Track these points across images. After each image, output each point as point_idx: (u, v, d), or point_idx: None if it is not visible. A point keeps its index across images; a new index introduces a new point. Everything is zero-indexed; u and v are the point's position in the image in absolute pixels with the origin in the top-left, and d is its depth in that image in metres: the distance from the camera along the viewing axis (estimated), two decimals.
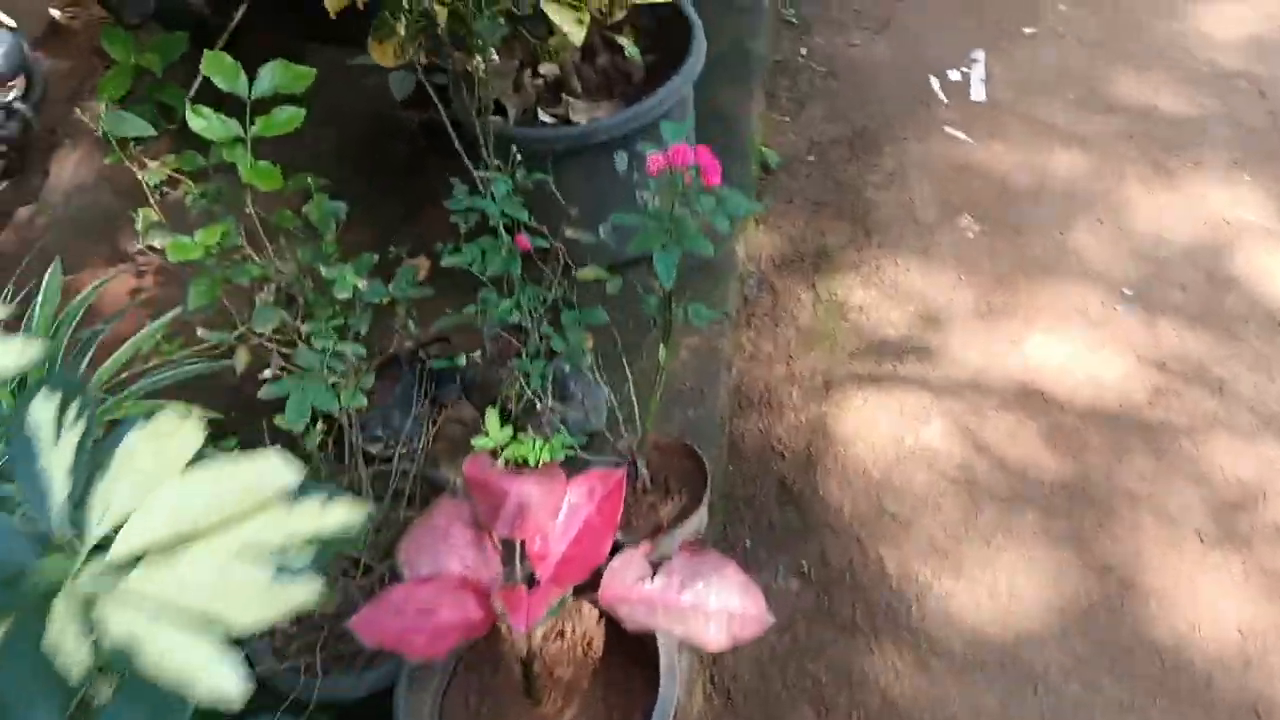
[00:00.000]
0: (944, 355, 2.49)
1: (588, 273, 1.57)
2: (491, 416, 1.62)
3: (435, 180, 2.03)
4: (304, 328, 1.86)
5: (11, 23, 3.71)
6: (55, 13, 4.17)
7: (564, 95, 2.43)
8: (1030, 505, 2.19)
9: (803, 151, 3.07)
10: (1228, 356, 2.36)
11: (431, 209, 1.77)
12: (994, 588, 2.07)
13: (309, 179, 2.04)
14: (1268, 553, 2.04)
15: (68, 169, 3.33)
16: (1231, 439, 2.22)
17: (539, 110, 2.45)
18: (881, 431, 2.37)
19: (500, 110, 2.44)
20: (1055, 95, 3.06)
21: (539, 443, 1.64)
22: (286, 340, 1.90)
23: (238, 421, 2.07)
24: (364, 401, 1.50)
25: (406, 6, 1.91)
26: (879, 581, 2.13)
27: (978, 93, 3.13)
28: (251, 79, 1.66)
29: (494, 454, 1.60)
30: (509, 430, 1.62)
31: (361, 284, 1.80)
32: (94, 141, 3.34)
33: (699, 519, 1.94)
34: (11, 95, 2.86)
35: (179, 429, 0.61)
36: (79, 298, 2.01)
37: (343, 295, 1.76)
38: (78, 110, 3.53)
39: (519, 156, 1.72)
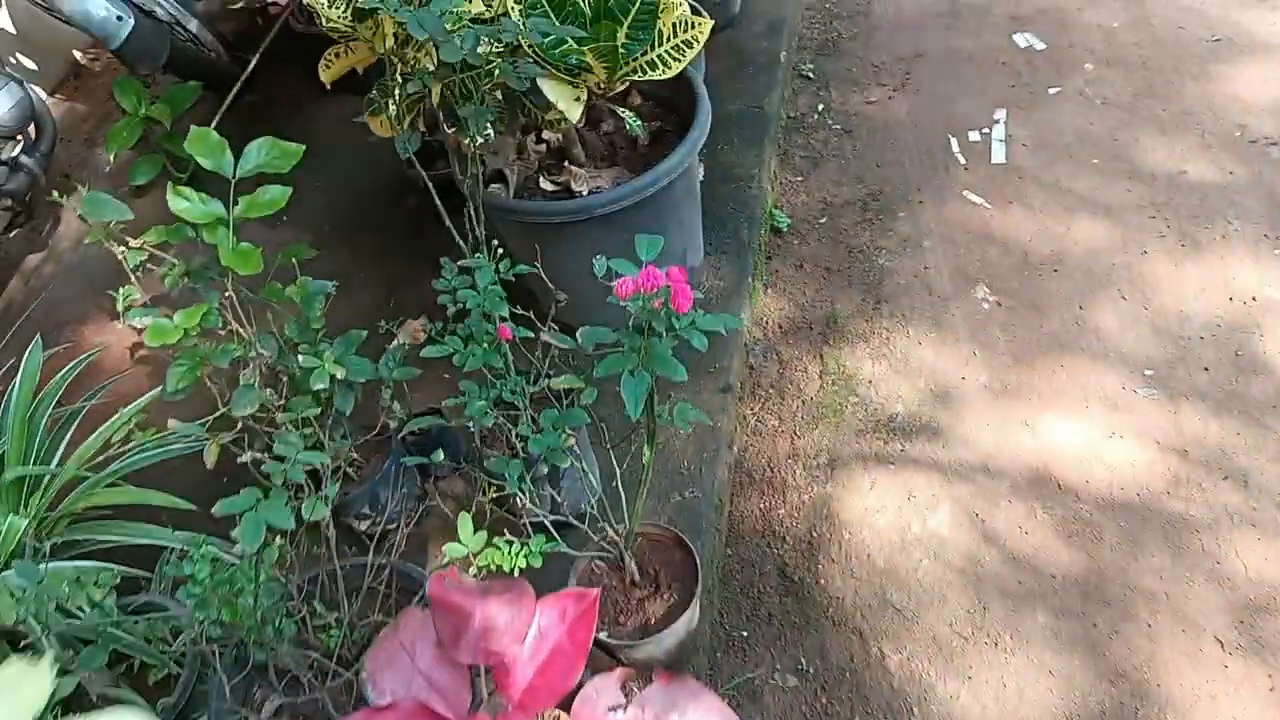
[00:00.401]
0: (955, 436, 2.39)
1: (562, 382, 1.50)
2: (464, 522, 1.55)
3: (443, 238, 1.98)
4: (279, 417, 1.81)
5: (29, 66, 3.73)
6: (78, 54, 4.19)
7: (566, 163, 2.37)
8: (1041, 603, 2.08)
9: (815, 214, 3.00)
10: (1253, 447, 2.25)
11: (437, 269, 1.71)
12: (1000, 692, 1.97)
13: (295, 256, 1.99)
14: None
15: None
16: (1255, 536, 2.11)
17: (541, 177, 2.40)
18: (888, 516, 2.28)
19: (501, 177, 2.39)
20: (1078, 160, 2.97)
21: (515, 548, 1.57)
22: (270, 420, 1.86)
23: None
24: (325, 513, 1.44)
25: (397, 83, 1.86)
26: (880, 681, 2.03)
27: (998, 155, 3.04)
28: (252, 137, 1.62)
29: (467, 562, 1.53)
30: (482, 535, 1.55)
31: (340, 373, 1.75)
32: (108, 186, 3.33)
33: (689, 618, 1.86)
34: (18, 150, 2.85)
35: (24, 682, 0.54)
36: (58, 376, 1.97)
37: (319, 386, 1.70)
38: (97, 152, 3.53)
39: (500, 250, 1.66)
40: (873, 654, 2.08)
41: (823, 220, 2.97)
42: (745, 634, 2.15)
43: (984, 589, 2.13)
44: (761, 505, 2.36)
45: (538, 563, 1.59)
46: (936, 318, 2.65)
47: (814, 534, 2.28)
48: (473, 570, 1.59)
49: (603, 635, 1.87)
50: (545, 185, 2.36)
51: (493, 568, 1.58)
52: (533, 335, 1.75)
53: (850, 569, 2.21)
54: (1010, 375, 2.49)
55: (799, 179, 3.12)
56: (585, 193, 2.30)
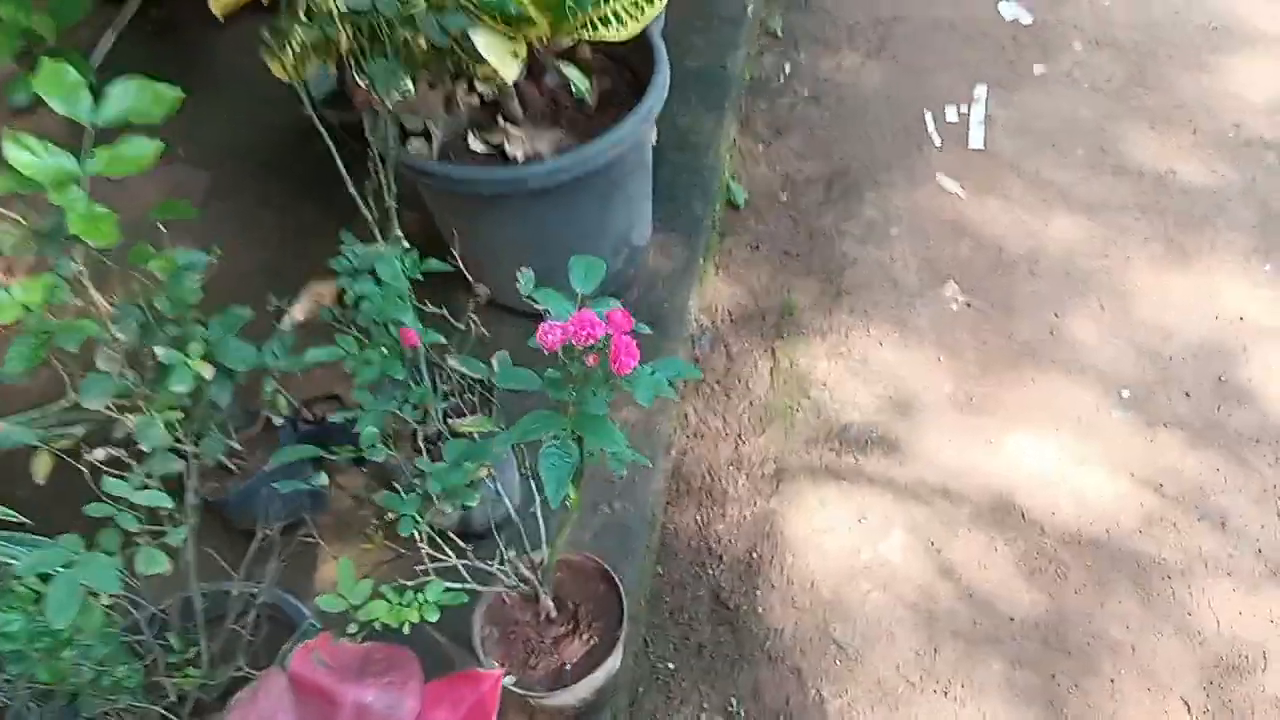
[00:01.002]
0: (913, 452, 2.18)
1: (468, 425, 1.23)
2: (343, 570, 1.29)
3: (359, 186, 1.68)
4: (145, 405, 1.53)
5: None
6: None
7: (501, 119, 2.08)
8: (996, 648, 1.90)
9: (775, 188, 2.74)
10: (1233, 485, 2.08)
11: (352, 220, 1.43)
12: None
13: (169, 214, 1.68)
14: None
15: None
16: (1230, 586, 1.94)
17: (471, 134, 2.09)
18: (836, 539, 2.07)
19: (425, 131, 2.09)
20: (1061, 150, 2.74)
21: (406, 600, 1.32)
22: (133, 407, 1.57)
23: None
24: (164, 566, 1.16)
25: (295, 23, 1.55)
26: None
27: (976, 138, 2.80)
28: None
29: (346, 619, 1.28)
30: (366, 586, 1.29)
31: (208, 372, 1.46)
32: None
33: (609, 666, 1.63)
34: None
35: None
36: None
37: (181, 388, 1.42)
38: None
39: (405, 242, 1.38)
40: (810, 696, 1.88)
41: (783, 197, 2.71)
42: (672, 666, 1.94)
43: (936, 628, 1.93)
44: (698, 518, 2.13)
45: (433, 617, 1.35)
46: (901, 316, 2.42)
47: (754, 555, 2.07)
48: (353, 628, 1.34)
49: (509, 681, 1.64)
50: (475, 145, 2.06)
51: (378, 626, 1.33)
52: (445, 342, 1.48)
53: (792, 597, 2.00)
54: (977, 386, 2.28)
55: (760, 148, 2.85)
56: (520, 158, 2.01)
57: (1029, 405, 2.23)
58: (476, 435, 1.29)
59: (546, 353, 1.00)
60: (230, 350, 1.54)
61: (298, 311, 2.28)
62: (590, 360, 1.02)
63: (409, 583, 1.38)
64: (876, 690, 1.87)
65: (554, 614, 1.68)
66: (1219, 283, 2.41)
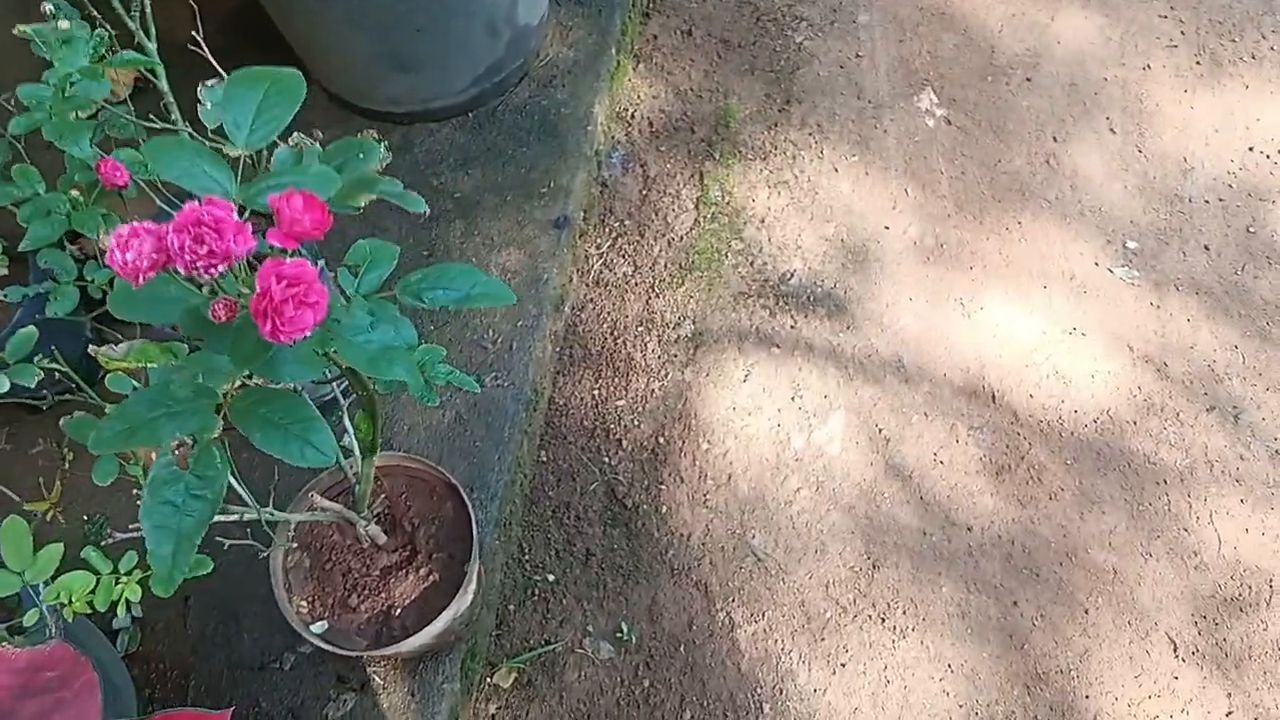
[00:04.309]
0: (865, 312, 1.75)
1: (116, 358, 0.74)
2: (10, 531, 0.84)
3: None
4: None
5: None
6: None
7: None
8: (948, 568, 1.54)
9: None
10: (1251, 367, 1.69)
11: None
12: (880, 689, 1.46)
13: None
14: (1263, 683, 1.45)
15: None
16: (1239, 497, 1.59)
17: None
18: (762, 422, 1.66)
19: None
20: None
21: (111, 577, 0.88)
22: None
23: None
24: None
25: None
26: (725, 660, 1.49)
27: None
28: None
29: None
30: (53, 555, 0.84)
31: None
32: None
33: (452, 611, 1.23)
34: None
35: None
36: None
37: None
38: None
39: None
40: (719, 620, 1.52)
41: None
42: (552, 578, 1.56)
43: (876, 540, 1.57)
44: (595, 391, 1.70)
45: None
46: (863, 133, 1.92)
47: (660, 439, 1.66)
48: (31, 619, 0.91)
49: (318, 630, 1.24)
50: None
51: (69, 608, 0.89)
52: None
53: (703, 494, 1.61)
54: (950, 229, 1.82)
55: None
56: None
57: (1012, 257, 1.79)
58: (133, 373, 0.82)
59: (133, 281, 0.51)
60: None
61: None
62: (221, 310, 0.55)
63: (126, 532, 0.95)
64: (800, 615, 1.52)
65: (382, 539, 1.27)
66: (1257, 104, 1.93)
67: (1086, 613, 1.51)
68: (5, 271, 1.40)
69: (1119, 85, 1.96)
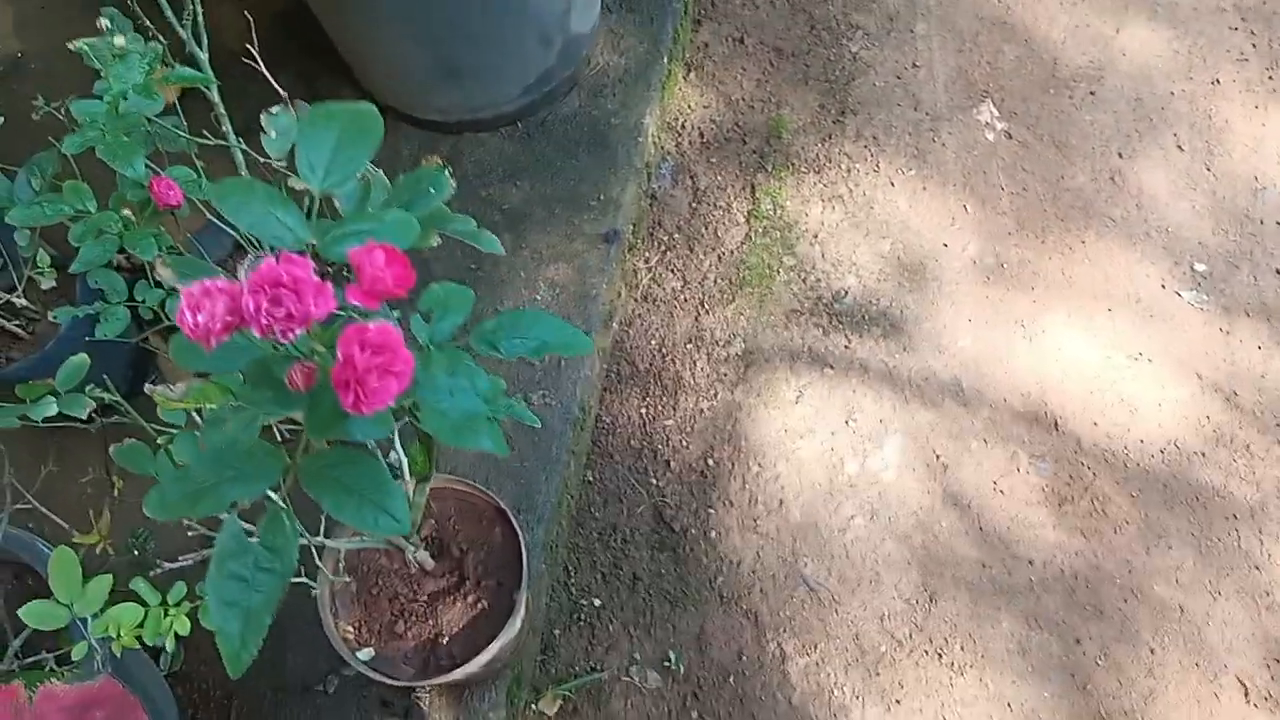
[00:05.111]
0: (921, 332, 1.70)
1: (173, 398, 0.70)
2: (62, 563, 0.81)
3: None
4: None
5: None
6: None
7: None
8: (1009, 602, 1.49)
9: None
10: None
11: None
12: None
13: None
14: None
15: None
16: None
17: None
18: (815, 445, 1.62)
19: None
20: None
21: (159, 611, 0.86)
22: None
23: None
24: None
25: None
26: (775, 693, 1.45)
27: None
28: None
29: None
30: (102, 586, 0.82)
31: None
32: None
33: (501, 643, 1.20)
34: None
35: None
36: None
37: None
38: None
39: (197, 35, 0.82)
40: (770, 651, 1.48)
41: None
42: (598, 603, 1.53)
43: (933, 571, 1.52)
44: (643, 410, 1.66)
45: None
46: (920, 146, 1.87)
47: (710, 461, 1.62)
48: (79, 653, 0.88)
49: (365, 657, 1.21)
50: None
51: (118, 642, 0.87)
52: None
53: (754, 519, 1.57)
54: (1010, 247, 1.77)
55: None
56: None
57: (1075, 277, 1.74)
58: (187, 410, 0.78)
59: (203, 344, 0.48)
60: None
61: None
62: (299, 378, 0.51)
63: (175, 562, 0.92)
64: (854, 648, 1.47)
65: (430, 565, 1.24)
66: None
67: (1152, 652, 1.45)
68: (55, 284, 1.38)
69: (1187, 100, 1.89)
